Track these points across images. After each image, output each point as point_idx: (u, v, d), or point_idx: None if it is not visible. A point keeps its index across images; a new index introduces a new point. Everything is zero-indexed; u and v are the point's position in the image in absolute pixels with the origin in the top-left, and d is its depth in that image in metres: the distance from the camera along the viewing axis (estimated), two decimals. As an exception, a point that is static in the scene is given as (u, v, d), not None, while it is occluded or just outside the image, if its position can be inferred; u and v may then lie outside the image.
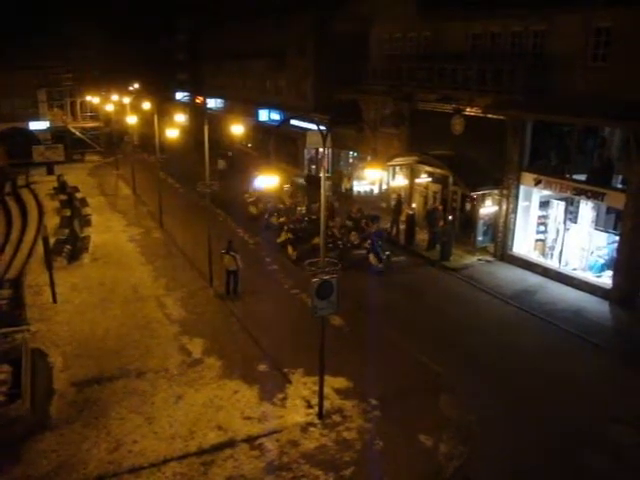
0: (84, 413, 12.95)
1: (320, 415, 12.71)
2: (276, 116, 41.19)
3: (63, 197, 33.24)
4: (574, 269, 20.13)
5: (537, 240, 21.89)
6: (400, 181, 28.55)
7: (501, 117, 21.80)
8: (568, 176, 19.86)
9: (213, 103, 53.69)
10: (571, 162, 19.97)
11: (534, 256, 21.70)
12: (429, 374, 14.57)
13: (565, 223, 20.42)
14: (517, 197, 21.83)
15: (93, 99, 49.72)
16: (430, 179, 26.67)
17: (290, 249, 23.00)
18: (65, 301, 18.88)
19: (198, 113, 50.48)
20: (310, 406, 13.09)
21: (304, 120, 33.55)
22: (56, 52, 48.23)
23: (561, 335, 16.71)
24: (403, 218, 25.47)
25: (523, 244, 22.11)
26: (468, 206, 24.58)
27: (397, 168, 28.55)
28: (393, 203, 26.67)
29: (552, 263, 20.91)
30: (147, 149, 44.23)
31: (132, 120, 36.23)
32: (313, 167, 37.36)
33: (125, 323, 17.45)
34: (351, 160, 34.76)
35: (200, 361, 15.22)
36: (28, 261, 22.82)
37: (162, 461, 11.43)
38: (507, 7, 21.28)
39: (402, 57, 27.57)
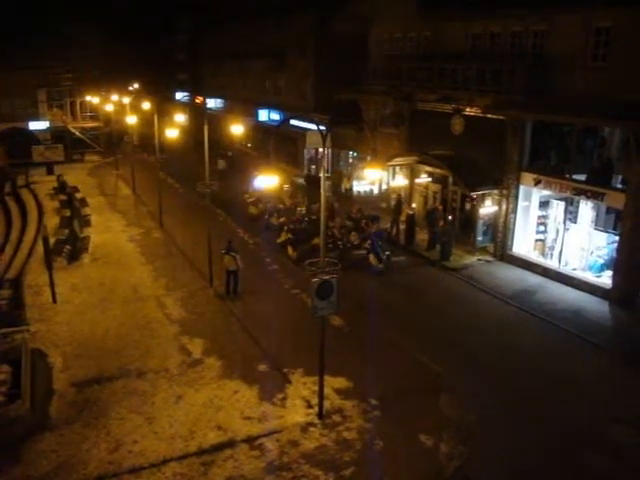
0: (84, 413, 12.95)
1: (320, 415, 12.71)
2: (276, 116, 41.19)
3: (63, 197, 33.23)
4: (574, 269, 20.13)
5: (537, 240, 21.89)
6: (400, 181, 28.55)
7: (501, 117, 21.80)
8: (568, 176, 19.86)
9: (213, 103, 53.67)
10: (571, 162, 19.97)
11: (534, 256, 21.70)
12: (429, 374, 14.57)
13: (565, 223, 20.42)
14: (517, 197, 21.83)
15: (93, 99, 49.72)
16: (430, 179, 26.67)
17: (290, 249, 23.00)
18: (65, 301, 18.88)
19: (198, 113, 50.50)
20: (310, 406, 13.09)
21: (304, 120, 33.55)
22: (56, 52, 48.23)
23: (561, 335, 16.71)
24: (403, 218, 25.48)
25: (523, 244, 22.11)
26: (468, 206, 24.58)
27: (397, 168, 28.55)
28: (393, 203, 26.67)
29: (552, 263, 20.91)
30: (147, 149, 44.23)
31: (132, 120, 36.24)
32: (313, 167, 37.35)
33: (125, 323, 17.45)
34: (351, 160, 34.76)
35: (200, 361, 15.22)
36: (28, 261, 22.82)
37: (162, 461, 11.43)
38: (507, 7, 21.28)
39: (402, 57, 27.57)
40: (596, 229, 19.67)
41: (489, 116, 22.46)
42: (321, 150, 15.31)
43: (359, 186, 33.26)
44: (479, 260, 22.67)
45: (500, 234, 22.61)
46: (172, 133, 25.51)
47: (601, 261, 19.63)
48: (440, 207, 24.45)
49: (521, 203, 21.90)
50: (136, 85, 53.03)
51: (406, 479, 11.05)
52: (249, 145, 46.35)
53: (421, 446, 11.87)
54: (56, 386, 14.03)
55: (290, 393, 13.71)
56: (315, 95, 35.50)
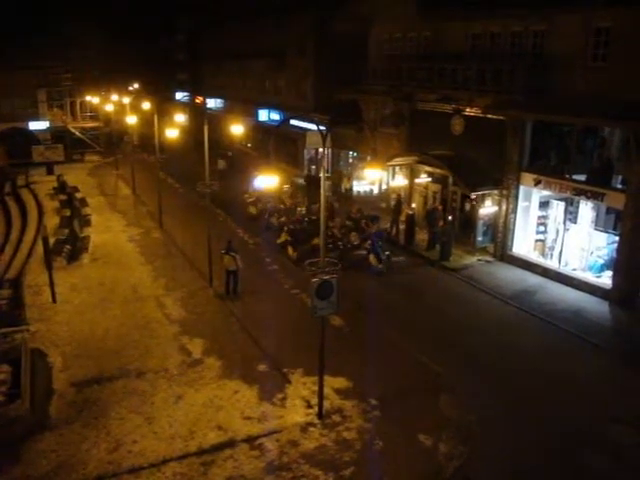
0: (84, 413, 12.94)
1: (320, 415, 12.71)
2: (276, 116, 41.19)
3: (63, 197, 33.22)
4: (574, 269, 20.12)
5: (537, 240, 21.88)
6: (400, 181, 28.55)
7: (501, 117, 21.79)
8: (568, 176, 19.85)
9: (213, 103, 53.67)
10: (571, 162, 19.96)
11: (534, 256, 21.69)
12: (429, 374, 14.57)
13: (565, 223, 20.41)
14: (517, 197, 21.83)
15: (93, 99, 49.72)
16: (430, 179, 26.67)
17: (290, 249, 23.00)
18: (65, 301, 18.87)
19: (198, 113, 50.50)
20: (310, 406, 13.08)
21: (304, 120, 33.55)
22: (56, 52, 48.23)
23: (561, 335, 16.70)
24: (403, 218, 25.47)
25: (523, 244, 22.11)
26: (467, 206, 24.58)
27: (397, 168, 28.55)
28: (393, 203, 26.66)
29: (552, 263, 20.91)
30: (147, 149, 44.22)
31: (132, 120, 36.23)
32: (313, 167, 37.34)
33: (125, 323, 17.44)
34: (351, 160, 34.76)
35: (200, 361, 15.22)
36: (28, 261, 22.80)
37: (162, 461, 11.43)
38: (507, 7, 21.28)
39: (402, 57, 27.56)
40: (596, 229, 19.66)
41: (489, 116, 22.46)
42: (321, 150, 15.31)
43: (359, 186, 33.26)
44: (479, 260, 22.66)
45: (500, 234, 22.60)
46: (172, 133, 25.51)
47: (601, 261, 19.62)
48: (440, 207, 24.45)
49: (521, 203, 21.89)
50: (136, 85, 53.04)
51: (406, 479, 11.05)
52: (249, 145, 46.35)
53: (421, 446, 11.87)
54: (56, 386, 14.03)
55: (290, 393, 13.70)
56: (315, 95, 35.50)
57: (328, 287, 11.71)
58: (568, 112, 18.86)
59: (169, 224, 27.44)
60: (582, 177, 19.57)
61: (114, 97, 43.46)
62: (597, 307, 18.34)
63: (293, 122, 35.44)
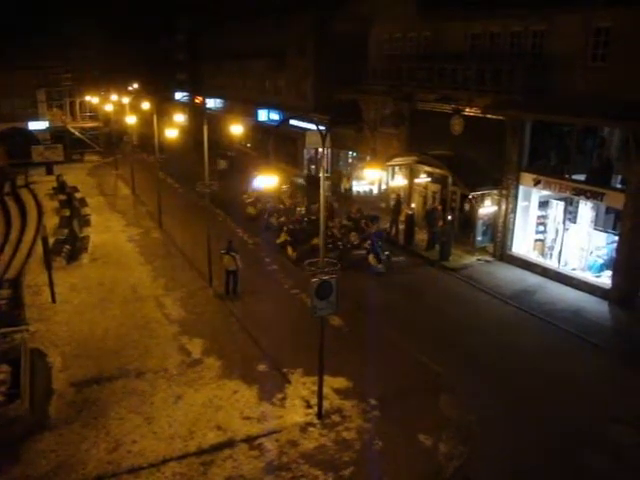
0: (83, 413, 12.93)
1: (319, 415, 12.70)
2: (275, 116, 41.18)
3: (62, 197, 33.21)
4: (573, 269, 20.13)
5: (536, 240, 21.89)
6: (399, 181, 28.56)
7: (500, 117, 21.79)
8: (567, 176, 19.85)
9: (212, 103, 53.66)
10: (570, 162, 19.96)
11: (533, 256, 21.69)
12: (429, 374, 14.57)
13: (564, 223, 20.41)
14: (516, 197, 21.83)
15: (92, 99, 49.70)
16: (429, 179, 26.67)
17: (290, 249, 22.99)
18: (64, 301, 18.86)
19: (197, 113, 50.51)
20: (309, 406, 13.08)
21: (303, 120, 33.53)
22: (56, 52, 48.22)
23: (561, 335, 16.70)
24: (402, 218, 25.47)
25: (522, 244, 22.11)
26: (467, 206, 24.58)
27: (396, 168, 28.55)
28: (392, 203, 26.66)
29: (551, 263, 20.91)
30: (146, 149, 44.22)
31: (131, 120, 36.22)
32: (312, 167, 37.34)
33: (124, 323, 17.43)
34: (350, 160, 34.76)
35: (199, 361, 15.21)
36: (27, 261, 22.78)
37: (161, 461, 11.42)
38: (507, 7, 21.28)
39: (402, 57, 27.56)
40: (595, 229, 19.67)
41: (489, 116, 22.45)
42: (321, 150, 15.31)
43: (358, 186, 33.25)
44: (478, 260, 22.66)
45: (499, 234, 22.60)
46: (171, 133, 25.50)
47: (600, 261, 19.62)
48: (439, 207, 24.45)
49: (520, 203, 21.89)
50: (136, 85, 53.04)
51: (406, 479, 11.04)
52: (249, 145, 46.34)
53: (421, 446, 11.86)
54: (55, 386, 14.02)
55: (289, 393, 13.70)
56: (315, 95, 35.50)
57: (327, 287, 11.71)
58: (568, 112, 18.86)
59: (169, 224, 27.44)
60: (582, 177, 19.57)
61: (114, 97, 43.44)
62: (596, 307, 18.34)
63: (293, 122, 35.43)
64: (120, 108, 41.90)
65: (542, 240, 21.78)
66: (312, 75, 35.87)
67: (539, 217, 21.86)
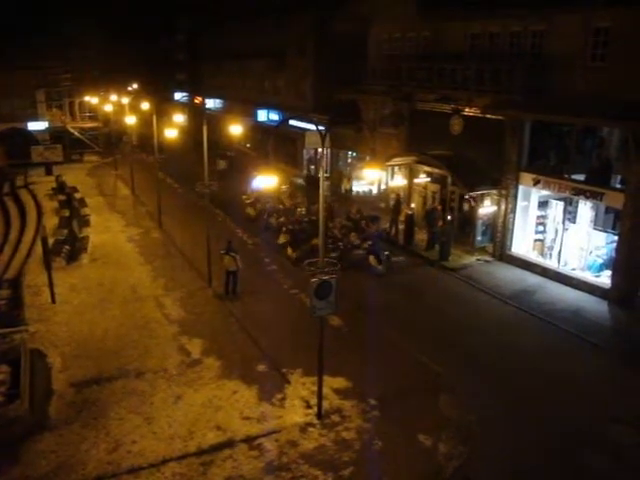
0: (83, 413, 12.93)
1: (319, 415, 12.70)
2: (275, 116, 41.18)
3: (62, 197, 33.19)
4: (573, 269, 20.13)
5: (536, 240, 21.89)
6: (399, 181, 28.56)
7: (500, 117, 21.80)
8: (567, 176, 19.86)
9: (212, 103, 53.63)
10: (570, 162, 19.97)
11: (533, 256, 21.70)
12: (429, 374, 14.57)
13: (564, 223, 20.42)
14: (516, 197, 21.83)
15: (92, 99, 49.69)
16: (429, 179, 26.68)
17: (290, 250, 22.99)
18: (64, 301, 18.85)
19: (197, 113, 50.49)
20: (309, 406, 13.08)
21: (303, 120, 33.53)
22: (56, 52, 48.20)
23: (560, 335, 16.70)
24: (402, 218, 25.47)
25: (522, 244, 22.11)
26: (466, 206, 24.59)
27: (396, 168, 28.55)
28: (392, 203, 26.66)
29: (551, 263, 20.91)
30: (146, 149, 44.24)
31: (131, 120, 36.23)
32: (312, 167, 37.34)
33: (124, 323, 17.43)
34: (350, 160, 34.75)
35: (199, 361, 15.21)
36: (27, 261, 22.76)
37: (161, 461, 11.42)
38: (507, 7, 21.28)
39: (401, 57, 27.56)
40: (595, 229, 19.67)
41: (488, 116, 22.45)
42: (320, 150, 15.31)
43: (358, 186, 33.26)
44: (478, 260, 22.66)
45: (499, 234, 22.60)
46: (171, 133, 25.51)
47: (600, 261, 19.63)
48: (439, 207, 24.45)
49: (520, 203, 21.90)
50: (135, 85, 53.02)
51: (405, 479, 11.04)
52: (248, 145, 46.33)
53: (421, 446, 11.86)
54: (55, 386, 14.01)
55: (289, 393, 13.70)
56: (314, 95, 35.48)
57: (327, 287, 11.71)
58: (567, 112, 18.86)
59: (168, 224, 27.43)
60: (581, 177, 19.58)
61: (113, 97, 43.43)
62: (596, 307, 18.34)
63: (292, 122, 35.42)
64: (120, 108, 41.90)
65: (542, 240, 21.78)
66: (312, 75, 35.87)
67: (539, 217, 21.86)
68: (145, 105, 34.30)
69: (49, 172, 40.63)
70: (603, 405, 13.29)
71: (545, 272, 20.75)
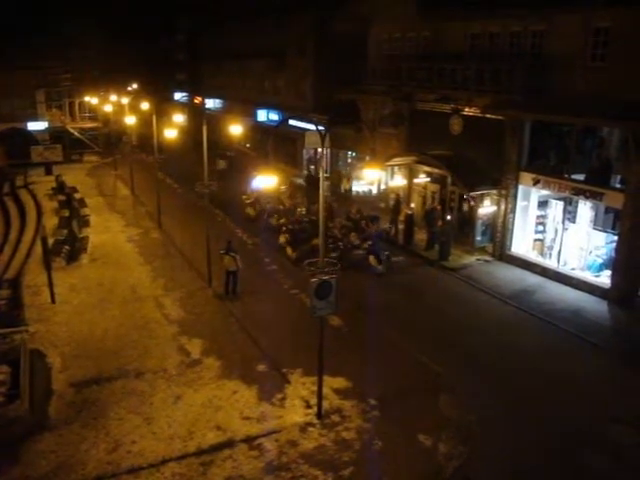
0: (83, 414, 12.93)
1: (319, 415, 12.70)
2: (275, 116, 41.18)
3: (61, 197, 33.18)
4: (573, 269, 20.13)
5: (536, 240, 21.89)
6: (399, 181, 28.56)
7: (499, 117, 21.79)
8: (567, 176, 19.86)
9: (212, 103, 53.65)
10: (570, 162, 19.96)
11: (533, 256, 21.69)
12: (429, 374, 14.56)
13: (564, 223, 20.42)
14: (515, 197, 21.83)
15: (92, 99, 49.70)
16: (429, 179, 26.68)
17: (290, 250, 22.98)
18: (64, 301, 18.85)
19: (197, 113, 50.48)
20: (309, 406, 13.07)
21: (303, 120, 33.53)
22: (56, 52, 48.23)
23: (560, 335, 16.70)
24: (402, 218, 25.46)
25: (522, 244, 22.11)
26: (466, 206, 24.60)
27: (396, 168, 28.55)
28: (392, 203, 26.66)
29: (551, 263, 20.91)
30: (145, 149, 44.22)
31: (131, 120, 36.22)
32: (312, 167, 37.33)
33: (124, 323, 17.42)
34: (350, 160, 34.76)
35: (199, 361, 15.20)
36: (27, 261, 22.79)
37: (161, 461, 11.42)
38: (507, 7, 21.28)
39: (401, 57, 27.55)
40: (595, 229, 19.67)
41: (488, 116, 22.45)
42: (320, 150, 15.30)
43: (358, 186, 33.26)
44: (478, 260, 22.66)
45: (499, 234, 22.60)
46: (171, 133, 25.50)
47: (600, 261, 19.63)
48: (439, 207, 24.44)
49: (520, 203, 21.89)
50: (135, 85, 53.02)
51: (405, 479, 11.04)
52: (248, 145, 46.33)
53: (421, 446, 11.86)
54: (55, 386, 14.01)
55: (289, 393, 13.69)
56: (314, 95, 35.49)
57: (327, 287, 11.71)
58: (567, 112, 18.86)
59: (168, 224, 27.43)
60: (581, 177, 19.58)
61: (113, 97, 43.42)
62: (596, 306, 18.34)
63: (292, 122, 35.43)
64: (119, 108, 41.90)
65: (541, 240, 21.78)
66: (311, 75, 35.87)
67: (538, 217, 21.86)
68: (145, 105, 34.28)
69: (49, 172, 40.64)
70: (603, 405, 13.29)
71: (545, 272, 20.75)
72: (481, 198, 23.07)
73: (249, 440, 11.99)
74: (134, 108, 37.12)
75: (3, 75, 45.95)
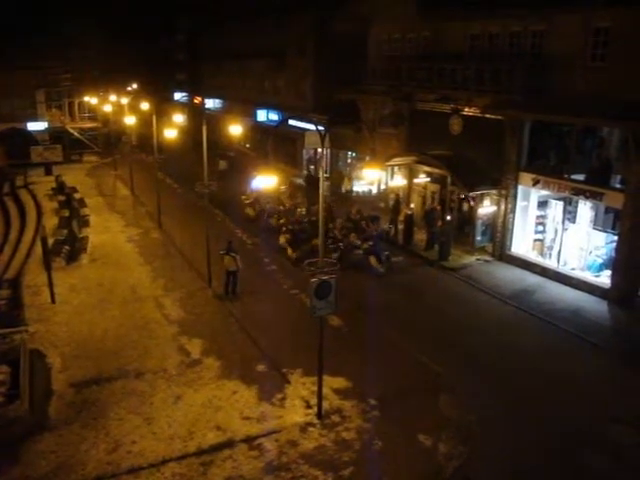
0: (83, 414, 12.92)
1: (319, 415, 12.70)
2: (274, 116, 41.18)
3: (61, 198, 33.18)
4: (572, 269, 20.13)
5: (535, 240, 21.89)
6: (398, 181, 28.55)
7: (499, 117, 21.79)
8: (566, 176, 19.86)
9: (212, 103, 53.65)
10: (570, 162, 19.96)
11: (532, 256, 21.69)
12: (429, 374, 14.56)
13: (563, 223, 20.41)
14: (515, 197, 21.83)
15: (91, 100, 49.71)
16: (428, 179, 26.68)
17: (289, 250, 22.98)
18: (64, 302, 18.84)
19: (197, 113, 50.49)
20: (309, 406, 13.07)
21: (302, 120, 33.54)
22: (56, 52, 48.25)
23: (560, 335, 16.70)
24: (401, 218, 25.46)
25: (521, 244, 22.11)
26: (465, 206, 24.60)
27: (395, 168, 28.55)
28: (391, 203, 26.66)
29: (550, 263, 20.91)
30: (145, 149, 44.23)
31: (130, 120, 36.21)
32: (312, 167, 37.34)
33: (124, 324, 17.42)
34: (350, 160, 34.76)
35: (199, 361, 15.20)
36: (27, 261, 22.79)
37: (161, 462, 11.41)
38: (506, 7, 21.28)
39: (401, 57, 27.56)
40: (595, 229, 19.67)
41: (488, 116, 22.45)
42: (320, 150, 15.30)
43: (358, 186, 33.26)
44: (478, 260, 22.66)
45: (499, 234, 22.60)
46: (171, 133, 25.49)
47: (600, 261, 19.63)
48: (438, 207, 24.44)
49: (520, 203, 21.89)
50: (135, 85, 53.02)
51: (405, 479, 11.03)
52: (247, 145, 46.33)
53: (421, 446, 11.86)
54: (55, 387, 14.01)
55: (289, 393, 13.69)
56: (314, 95, 35.49)
57: (327, 287, 11.71)
58: (567, 112, 18.86)
59: (168, 224, 27.43)
60: (581, 177, 19.58)
61: (113, 97, 43.42)
62: (596, 306, 18.34)
63: (292, 122, 35.43)
64: (119, 108, 41.89)
65: (541, 240, 21.78)
66: (311, 75, 35.87)
67: (538, 217, 21.85)
68: (145, 105, 34.28)
69: (49, 172, 40.64)
70: (603, 405, 13.29)
71: (545, 272, 20.75)
72: (481, 198, 23.08)
73: (249, 440, 11.99)
74: (134, 108, 37.12)
75: (3, 75, 45.96)
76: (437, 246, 23.03)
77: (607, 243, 19.46)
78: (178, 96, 57.15)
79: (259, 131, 42.96)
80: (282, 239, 23.79)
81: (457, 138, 24.15)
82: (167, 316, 17.96)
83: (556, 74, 19.75)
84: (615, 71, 17.90)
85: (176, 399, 13.46)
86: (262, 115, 42.50)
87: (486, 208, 23.12)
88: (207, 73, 56.91)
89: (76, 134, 51.22)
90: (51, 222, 27.78)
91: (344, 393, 13.65)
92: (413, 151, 26.41)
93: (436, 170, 25.18)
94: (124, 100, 39.49)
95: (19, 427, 12.16)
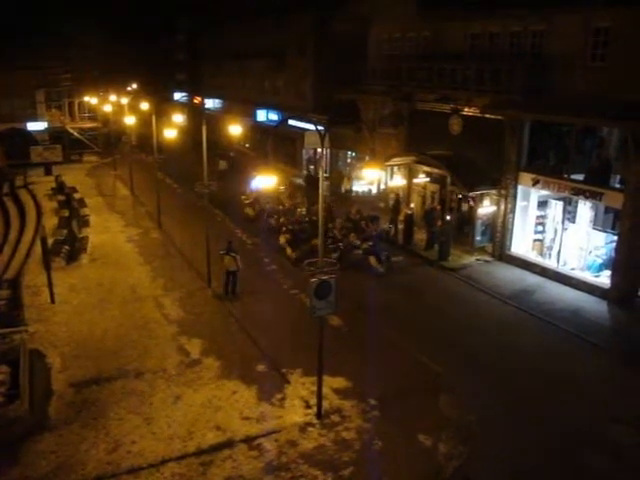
0: (82, 414, 12.92)
1: (319, 415, 12.69)
2: (274, 116, 41.17)
3: (61, 198, 33.19)
4: (572, 269, 20.13)
5: (535, 240, 21.89)
6: (398, 181, 28.55)
7: (499, 117, 21.79)
8: (566, 176, 19.86)
9: (211, 103, 53.65)
10: (569, 162, 19.96)
11: (532, 256, 21.69)
12: (429, 374, 14.56)
13: (563, 223, 20.41)
14: (515, 197, 21.83)
15: (91, 100, 49.70)
16: (428, 179, 26.68)
17: (289, 250, 22.98)
18: (63, 302, 18.84)
19: (196, 113, 50.47)
20: (309, 406, 13.07)
21: (302, 120, 33.53)
22: (56, 52, 48.25)
23: (560, 335, 16.70)
24: (401, 218, 25.46)
25: (521, 244, 22.10)
26: (465, 206, 24.59)
27: (395, 168, 28.55)
28: (391, 203, 26.66)
29: (550, 263, 20.91)
30: (145, 149, 44.22)
31: (130, 120, 36.21)
32: (311, 167, 37.33)
33: (123, 324, 17.42)
34: (349, 160, 34.76)
35: (198, 361, 15.20)
36: (26, 261, 22.78)
37: (161, 462, 11.41)
38: (507, 7, 21.28)
39: (401, 57, 27.55)
40: (594, 229, 19.67)
41: (487, 116, 22.45)
42: (320, 150, 15.30)
43: (357, 186, 33.26)
44: (477, 260, 22.66)
45: (498, 234, 22.60)
46: (170, 133, 25.49)
47: (599, 261, 19.63)
48: (438, 207, 24.44)
49: (519, 203, 21.89)
50: (135, 85, 53.02)
51: (405, 479, 11.03)
52: (247, 145, 46.33)
53: (421, 446, 11.85)
54: (55, 387, 14.00)
55: (289, 393, 13.69)
56: (314, 95, 35.49)
57: (326, 287, 11.71)
58: (567, 112, 18.86)
59: (168, 224, 27.42)
60: (580, 177, 19.58)
61: (113, 97, 43.43)
62: (596, 306, 18.34)
63: (291, 122, 35.43)
64: (119, 108, 41.88)
65: (541, 240, 21.78)
66: (311, 75, 35.86)
67: (538, 217, 21.85)
68: (144, 105, 34.27)
69: (48, 172, 40.63)
70: (603, 405, 13.28)
71: (544, 272, 20.75)
72: (481, 198, 23.07)
73: (249, 440, 11.99)
74: (134, 108, 37.12)
75: (3, 75, 45.95)
76: (437, 246, 23.03)
77: (607, 243, 19.46)
78: (178, 96, 57.09)
79: (259, 131, 42.96)
80: (282, 239, 23.79)
81: (457, 138, 24.15)
82: (167, 316, 17.95)
83: (556, 74, 19.75)
84: (615, 71, 17.91)
85: (176, 399, 13.45)
86: (262, 115, 42.50)
87: (486, 208, 23.12)
88: (207, 73, 56.90)
89: (76, 134, 51.21)
90: (51, 222, 27.78)
91: (344, 393, 13.65)
92: (413, 151, 26.41)
93: (436, 170, 25.19)
94: (124, 100, 39.48)
95: (19, 427, 12.16)
